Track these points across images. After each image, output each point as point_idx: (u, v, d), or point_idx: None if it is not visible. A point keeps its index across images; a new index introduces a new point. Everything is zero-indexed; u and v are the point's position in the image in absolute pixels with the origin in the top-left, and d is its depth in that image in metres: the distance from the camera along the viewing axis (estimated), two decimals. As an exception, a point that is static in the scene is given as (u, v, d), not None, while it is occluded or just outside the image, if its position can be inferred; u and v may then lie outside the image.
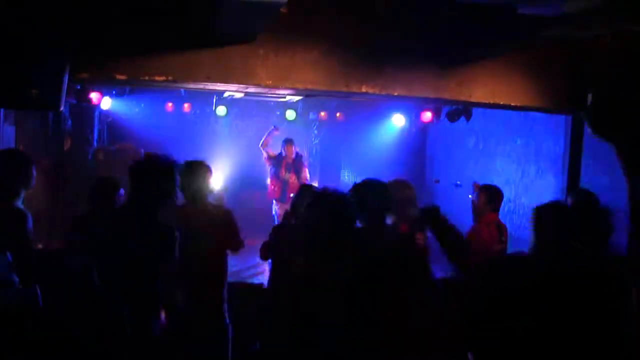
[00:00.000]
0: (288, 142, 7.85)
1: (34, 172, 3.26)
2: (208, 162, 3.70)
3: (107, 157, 8.49)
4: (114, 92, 7.63)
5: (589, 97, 4.19)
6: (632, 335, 1.96)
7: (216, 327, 3.56)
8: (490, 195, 4.33)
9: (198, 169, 3.55)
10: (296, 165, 7.80)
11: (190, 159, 3.60)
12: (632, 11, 3.12)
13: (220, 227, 3.58)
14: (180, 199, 3.65)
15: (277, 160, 7.78)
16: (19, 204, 3.18)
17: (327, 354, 2.07)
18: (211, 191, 3.74)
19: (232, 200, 5.44)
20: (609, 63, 4.42)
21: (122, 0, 3.79)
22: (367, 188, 2.87)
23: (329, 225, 2.19)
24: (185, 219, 3.42)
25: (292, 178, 7.62)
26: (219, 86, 4.34)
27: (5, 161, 3.24)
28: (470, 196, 4.50)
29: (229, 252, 3.72)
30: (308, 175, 7.95)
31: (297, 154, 7.86)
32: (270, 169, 7.83)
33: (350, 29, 4.22)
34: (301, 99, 8.07)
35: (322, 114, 9.07)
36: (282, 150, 7.83)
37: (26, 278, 2.06)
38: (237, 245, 3.71)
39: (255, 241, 4.05)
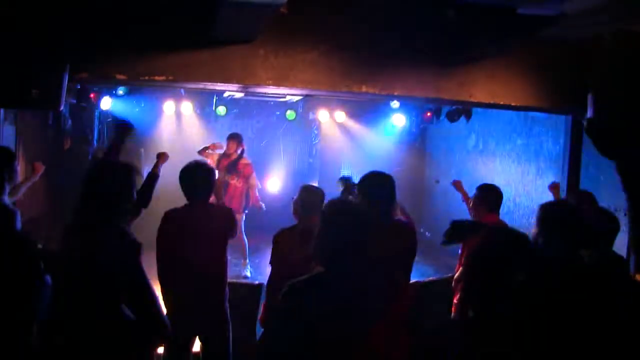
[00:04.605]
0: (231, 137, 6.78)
1: (17, 168, 3.27)
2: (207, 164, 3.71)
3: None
4: (113, 92, 7.63)
5: (589, 98, 4.19)
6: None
7: (217, 324, 3.56)
8: (484, 195, 4.28)
9: (198, 170, 3.55)
10: (235, 164, 6.69)
11: (190, 160, 3.61)
12: (632, 11, 3.13)
13: (222, 226, 3.58)
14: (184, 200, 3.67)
15: (218, 160, 6.67)
16: (5, 199, 3.18)
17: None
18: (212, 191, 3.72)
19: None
20: (609, 63, 4.41)
21: (122, 0, 3.79)
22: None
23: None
24: (186, 220, 3.44)
25: (233, 179, 6.65)
26: (219, 86, 4.34)
27: None
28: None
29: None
30: (257, 183, 6.95)
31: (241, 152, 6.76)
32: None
33: (350, 29, 4.21)
34: (301, 99, 8.06)
35: (322, 114, 9.06)
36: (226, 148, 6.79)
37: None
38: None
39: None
